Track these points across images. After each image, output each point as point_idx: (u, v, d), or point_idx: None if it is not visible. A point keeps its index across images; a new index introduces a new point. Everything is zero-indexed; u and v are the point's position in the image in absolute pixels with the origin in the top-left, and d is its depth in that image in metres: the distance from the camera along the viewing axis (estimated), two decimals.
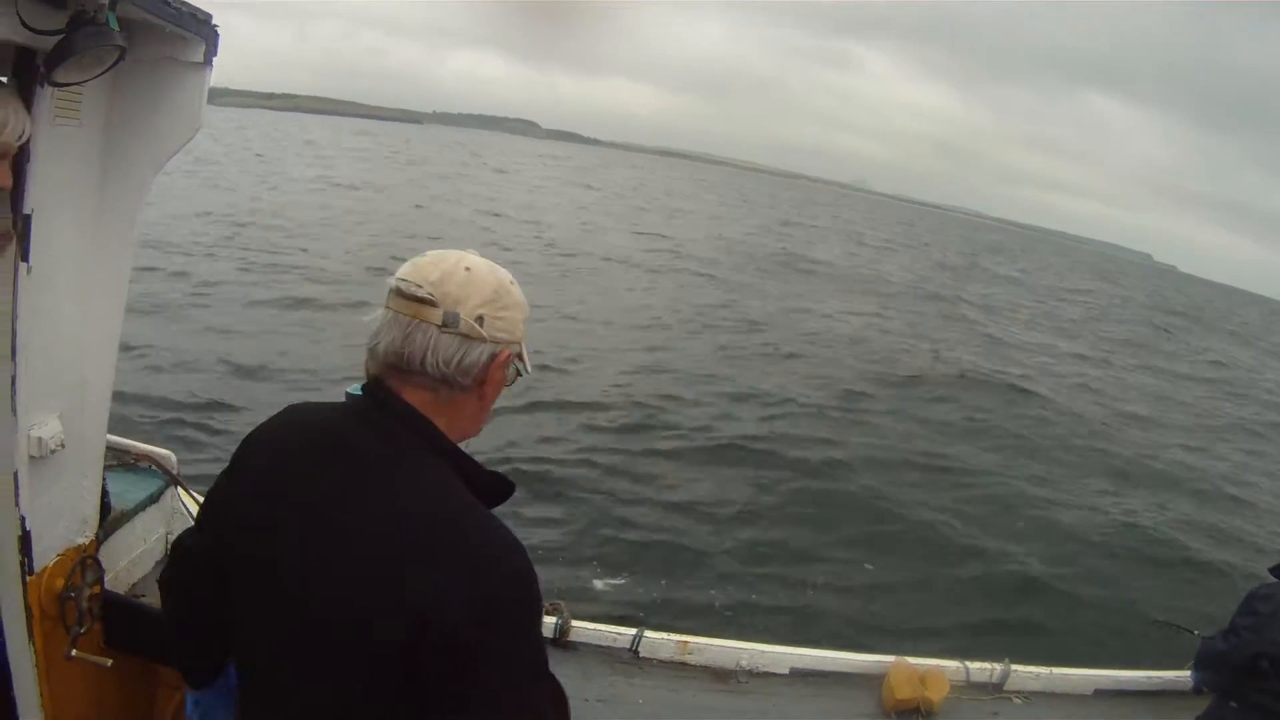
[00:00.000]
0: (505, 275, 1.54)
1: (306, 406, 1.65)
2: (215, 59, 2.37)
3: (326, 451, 1.47)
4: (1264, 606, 3.17)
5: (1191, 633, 4.17)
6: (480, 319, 1.45)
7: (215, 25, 2.32)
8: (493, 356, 1.49)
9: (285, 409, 1.66)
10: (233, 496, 1.60)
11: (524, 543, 1.42)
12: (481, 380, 1.50)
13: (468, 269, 1.48)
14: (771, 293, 25.02)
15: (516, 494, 1.60)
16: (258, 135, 72.80)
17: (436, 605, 1.30)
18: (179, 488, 3.41)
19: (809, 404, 13.62)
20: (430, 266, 1.47)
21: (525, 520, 7.78)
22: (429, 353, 1.44)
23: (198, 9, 2.23)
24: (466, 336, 1.45)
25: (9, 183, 1.91)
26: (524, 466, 9.02)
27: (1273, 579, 3.31)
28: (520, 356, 1.57)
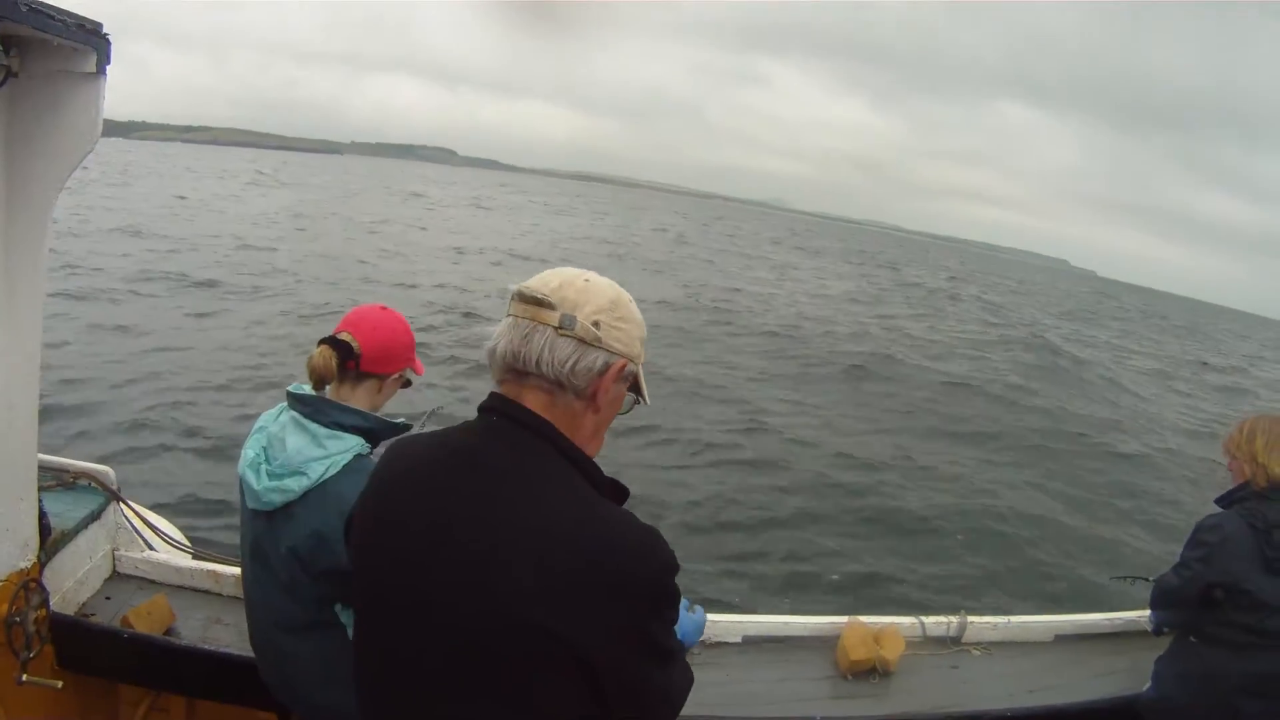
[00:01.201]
0: (624, 292, 1.54)
1: (425, 435, 1.63)
2: (109, 67, 2.34)
3: (463, 470, 1.44)
4: (1211, 536, 3.16)
5: (1147, 579, 4.12)
6: (596, 324, 1.45)
7: (106, 35, 2.29)
8: (607, 365, 1.47)
9: (397, 444, 1.65)
10: (367, 523, 1.56)
11: None
12: (595, 391, 1.48)
13: (587, 280, 1.50)
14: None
15: None
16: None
17: (587, 625, 1.30)
18: (121, 503, 3.34)
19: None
20: (552, 275, 1.49)
21: None
22: (545, 352, 1.43)
23: (86, 19, 2.21)
24: (582, 340, 1.44)
25: None
26: None
27: (1218, 509, 3.31)
28: (638, 382, 1.59)
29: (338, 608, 2.25)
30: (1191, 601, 3.20)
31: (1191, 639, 3.27)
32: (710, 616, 3.61)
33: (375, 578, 1.49)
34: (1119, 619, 4.07)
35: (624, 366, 1.50)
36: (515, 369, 1.46)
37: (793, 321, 23.99)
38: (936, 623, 3.84)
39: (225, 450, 8.69)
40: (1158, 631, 3.60)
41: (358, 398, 2.32)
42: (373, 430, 2.27)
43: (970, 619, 3.85)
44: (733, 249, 55.19)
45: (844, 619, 3.70)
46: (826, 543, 8.33)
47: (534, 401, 1.46)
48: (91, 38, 2.25)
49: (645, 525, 1.40)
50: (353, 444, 2.22)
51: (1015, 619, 3.97)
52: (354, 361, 2.28)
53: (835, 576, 7.52)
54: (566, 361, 1.44)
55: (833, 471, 10.78)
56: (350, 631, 2.18)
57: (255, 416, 2.42)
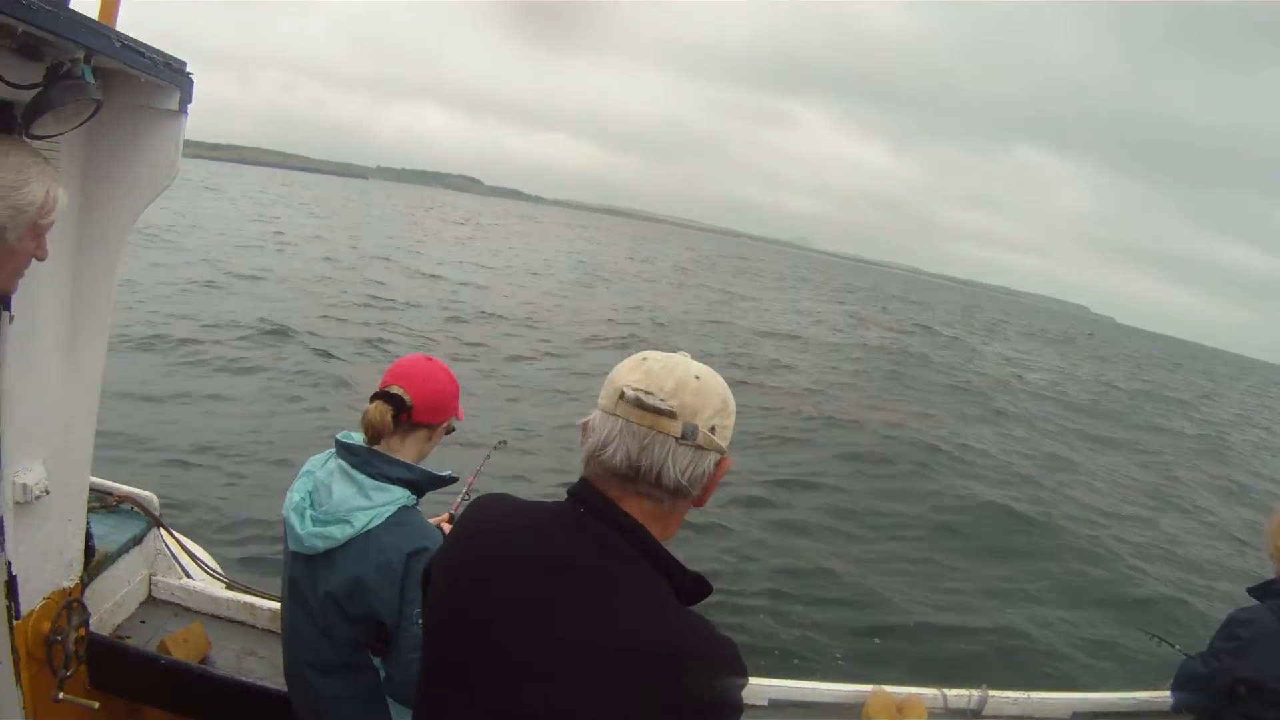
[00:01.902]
0: (723, 381, 1.51)
1: (507, 502, 1.59)
2: (190, 106, 2.39)
3: (540, 563, 1.42)
4: (1244, 632, 3.13)
5: (1173, 646, 4.12)
6: (713, 429, 1.43)
7: (190, 73, 2.35)
8: (716, 465, 1.46)
9: (485, 500, 1.62)
10: (439, 603, 1.54)
11: None
12: (707, 488, 1.47)
13: (698, 377, 1.45)
14: None
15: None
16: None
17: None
18: (161, 529, 3.38)
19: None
20: (663, 374, 1.43)
21: None
22: (667, 465, 1.40)
23: (172, 57, 2.27)
24: (701, 448, 1.42)
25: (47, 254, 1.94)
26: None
27: (1252, 600, 3.28)
28: None
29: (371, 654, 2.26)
30: (1217, 693, 3.16)
31: None
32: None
33: (451, 635, 1.47)
34: (1132, 699, 4.07)
35: (729, 462, 1.49)
36: (624, 476, 1.42)
37: None
38: (958, 695, 3.85)
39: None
40: (1176, 710, 3.56)
41: (406, 449, 2.33)
42: (418, 483, 2.28)
43: (991, 693, 3.84)
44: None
45: (868, 688, 3.71)
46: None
47: (636, 508, 1.44)
48: (176, 76, 2.31)
49: (723, 637, 1.38)
50: (398, 496, 2.23)
51: (1035, 695, 3.95)
52: (406, 414, 2.29)
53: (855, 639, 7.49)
54: (686, 471, 1.41)
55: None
56: (382, 674, 2.24)
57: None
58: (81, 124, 2.02)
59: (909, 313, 60.46)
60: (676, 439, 1.39)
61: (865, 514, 11.24)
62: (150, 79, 2.25)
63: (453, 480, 2.40)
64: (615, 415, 1.41)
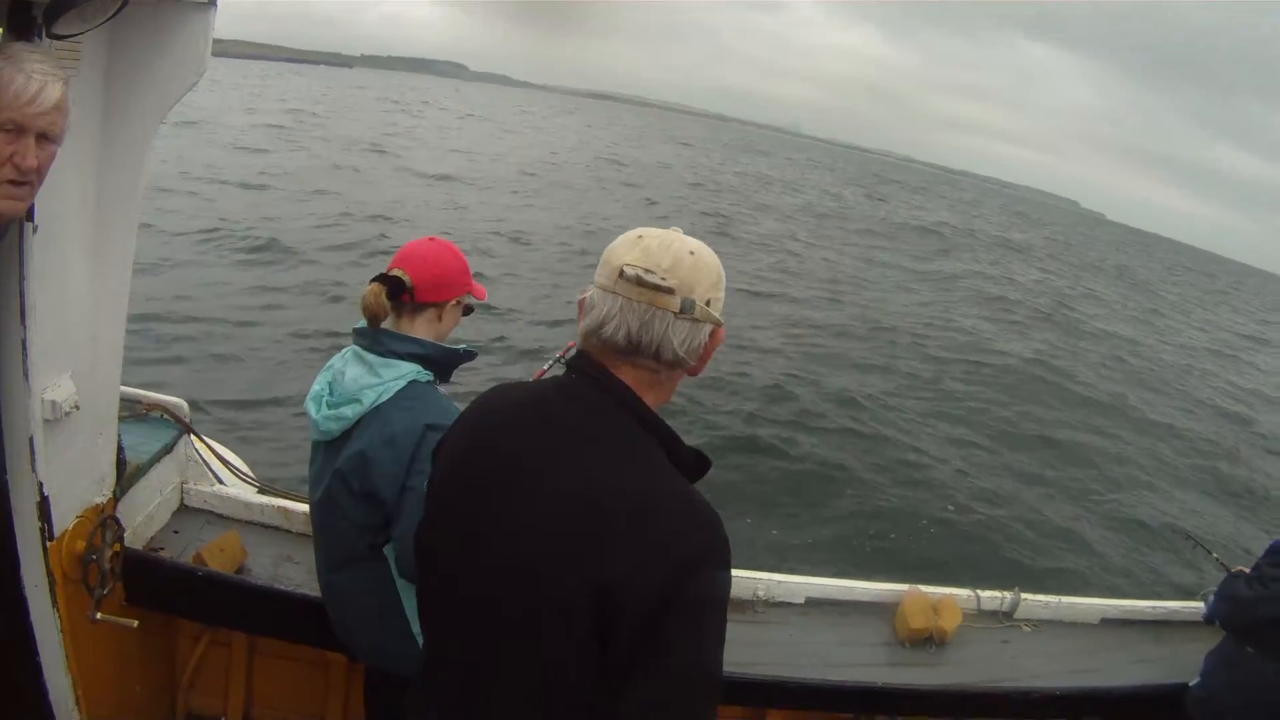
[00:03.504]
0: (715, 255, 1.56)
1: (514, 385, 1.68)
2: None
3: (534, 426, 1.49)
4: None
5: (1209, 553, 4.20)
6: (709, 302, 1.49)
7: None
8: (711, 334, 1.53)
9: (494, 388, 1.68)
10: (440, 473, 1.63)
11: None
12: (703, 357, 1.55)
13: (692, 253, 1.49)
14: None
15: None
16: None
17: (626, 580, 1.31)
18: (192, 435, 3.32)
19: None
20: (660, 251, 1.47)
21: None
22: (667, 339, 1.46)
23: None
24: (697, 320, 1.48)
25: (34, 162, 1.75)
26: None
27: None
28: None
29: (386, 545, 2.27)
30: (1261, 617, 3.16)
31: (1249, 648, 3.23)
32: (775, 576, 3.71)
33: (450, 504, 1.57)
34: (1162, 608, 4.11)
35: (722, 332, 1.56)
36: (624, 350, 1.48)
37: None
38: (991, 597, 3.89)
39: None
40: (1209, 620, 3.58)
41: (418, 328, 2.36)
42: (429, 357, 2.32)
43: (1023, 596, 3.89)
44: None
45: (904, 587, 3.74)
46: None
47: (631, 376, 1.49)
48: None
49: (709, 509, 1.43)
50: (406, 370, 2.27)
51: (1065, 599, 4.01)
52: (408, 294, 2.31)
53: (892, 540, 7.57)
54: (684, 344, 1.48)
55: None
56: (393, 566, 2.25)
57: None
58: (107, 20, 1.87)
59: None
60: (675, 314, 1.46)
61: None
62: None
63: (470, 355, 2.45)
64: (614, 292, 1.47)
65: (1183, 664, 3.57)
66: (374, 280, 2.31)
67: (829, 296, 19.23)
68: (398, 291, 2.30)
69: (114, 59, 2.20)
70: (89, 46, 2.09)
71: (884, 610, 3.69)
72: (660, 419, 1.52)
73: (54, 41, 1.86)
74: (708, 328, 1.51)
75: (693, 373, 1.59)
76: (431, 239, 2.43)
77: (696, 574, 1.34)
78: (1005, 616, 3.87)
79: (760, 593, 3.62)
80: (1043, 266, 37.44)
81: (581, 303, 1.53)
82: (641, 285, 1.45)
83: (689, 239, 1.54)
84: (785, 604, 3.65)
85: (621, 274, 1.46)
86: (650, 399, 1.51)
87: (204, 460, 3.38)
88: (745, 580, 3.64)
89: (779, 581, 3.66)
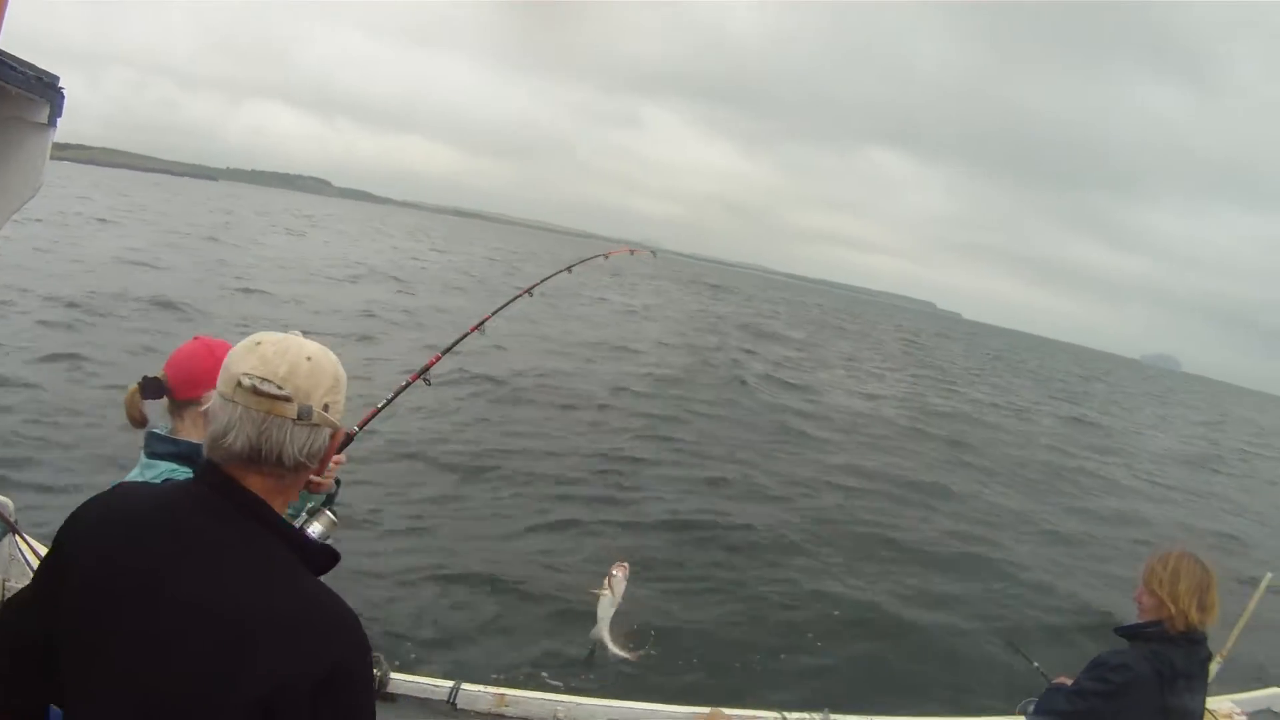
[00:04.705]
0: (334, 357, 1.61)
1: (138, 487, 1.67)
2: (59, 120, 2.31)
3: (164, 538, 1.46)
4: (1117, 677, 3.07)
5: (1030, 661, 4.17)
6: (326, 407, 1.54)
7: (61, 88, 2.28)
8: (331, 437, 1.58)
9: (115, 487, 1.66)
10: (63, 577, 1.53)
11: (340, 585, 1.48)
12: (323, 460, 1.59)
13: (309, 358, 1.54)
14: None
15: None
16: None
17: (285, 691, 1.34)
18: (16, 535, 3.19)
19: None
20: (276, 359, 1.51)
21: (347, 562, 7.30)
22: (286, 446, 1.49)
23: (44, 72, 2.19)
24: (316, 425, 1.53)
25: None
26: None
27: (1121, 641, 3.24)
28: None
29: None
30: None
31: None
32: (574, 699, 3.67)
33: (74, 607, 1.48)
34: None
35: (341, 433, 1.61)
36: (247, 459, 1.49)
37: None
38: (799, 718, 3.89)
39: None
40: None
41: (187, 428, 2.36)
42: (183, 454, 2.29)
43: (833, 716, 3.89)
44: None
45: (706, 709, 3.72)
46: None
47: (259, 485, 1.51)
48: (48, 90, 2.24)
49: (345, 605, 1.48)
50: (162, 469, 2.25)
51: (877, 719, 4.02)
52: (168, 394, 2.37)
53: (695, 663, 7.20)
54: (304, 449, 1.52)
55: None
56: None
57: None
58: None
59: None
60: (293, 420, 1.49)
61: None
62: (22, 93, 2.17)
63: None
64: (234, 401, 1.49)
65: None
66: (136, 383, 2.38)
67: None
68: (157, 392, 2.36)
69: None
70: None
71: None
72: (289, 524, 1.56)
73: None
74: (327, 431, 1.56)
75: (316, 474, 1.63)
76: (196, 338, 2.47)
77: (350, 675, 1.41)
78: None
79: (560, 714, 3.59)
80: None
81: (203, 413, 1.55)
82: (258, 394, 1.47)
83: (307, 343, 1.57)
84: None
85: (239, 384, 1.47)
86: (278, 504, 1.53)
87: (26, 561, 3.25)
88: (545, 702, 3.61)
89: (579, 703, 3.62)
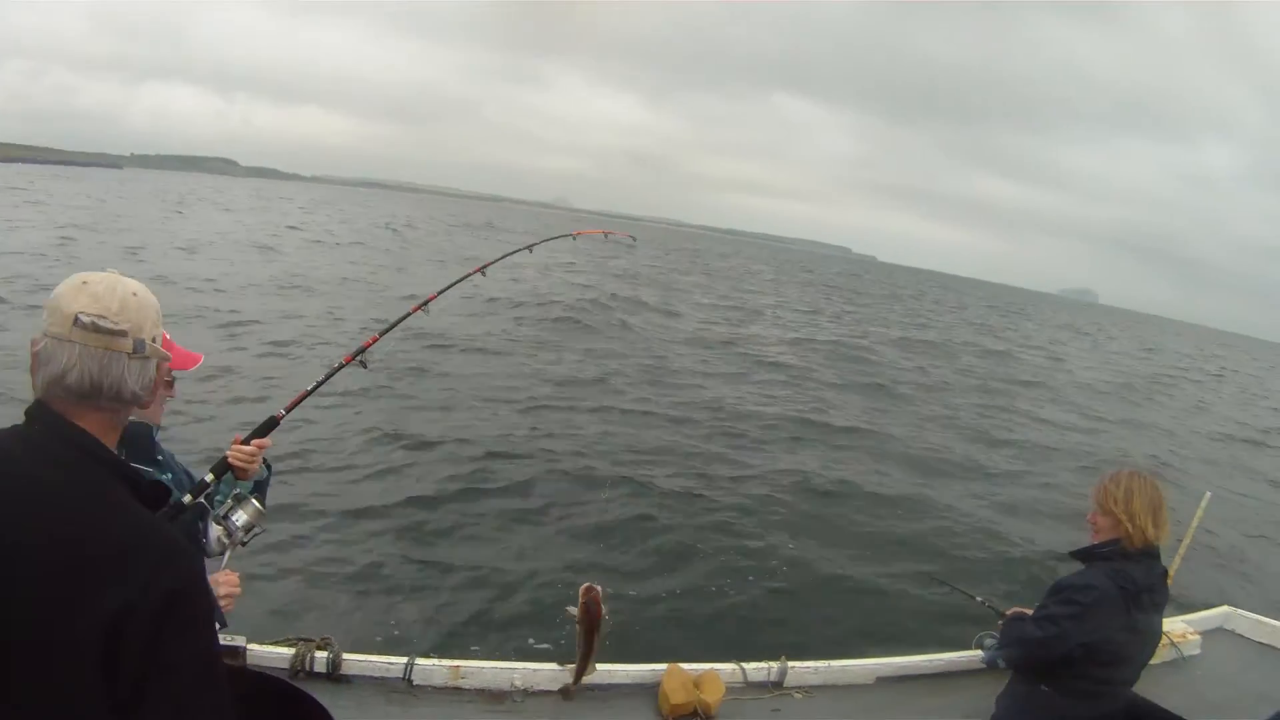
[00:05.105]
0: (152, 293, 1.67)
1: None
2: None
3: (20, 484, 1.45)
4: (1083, 597, 3.13)
5: (973, 598, 4.28)
6: (154, 339, 1.62)
7: None
8: (158, 368, 1.66)
9: None
10: None
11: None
12: (154, 391, 1.67)
13: (135, 294, 1.60)
14: None
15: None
16: None
17: (127, 614, 1.34)
18: None
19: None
20: (108, 296, 1.55)
21: (294, 548, 6.72)
22: (125, 380, 1.56)
23: None
24: (148, 358, 1.60)
25: None
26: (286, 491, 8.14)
27: (1076, 564, 3.31)
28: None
29: None
30: (1055, 656, 3.18)
31: (1044, 687, 3.26)
32: (530, 665, 3.65)
33: None
34: (939, 660, 4.20)
35: (166, 365, 1.71)
36: (84, 395, 1.53)
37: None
38: (757, 668, 3.91)
39: None
40: (992, 666, 3.69)
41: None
42: None
43: (791, 664, 3.91)
44: None
45: (663, 666, 3.71)
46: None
47: (94, 422, 1.55)
48: None
49: (177, 536, 1.53)
50: None
51: (836, 663, 4.03)
52: None
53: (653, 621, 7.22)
54: (139, 380, 1.59)
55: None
56: None
57: None
58: None
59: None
60: (129, 354, 1.56)
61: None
62: None
63: None
64: (70, 340, 1.52)
65: (965, 711, 3.67)
66: None
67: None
68: None
69: None
70: None
71: (646, 690, 3.66)
72: (121, 459, 1.58)
73: None
74: (154, 362, 1.63)
75: (144, 406, 1.67)
76: None
77: (189, 599, 1.43)
78: (775, 686, 3.87)
79: (517, 682, 3.56)
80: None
81: (35, 355, 1.54)
82: (98, 331, 1.52)
83: (129, 280, 1.62)
84: (544, 692, 3.59)
85: (77, 321, 1.51)
86: (110, 440, 1.57)
87: None
88: (501, 671, 3.58)
89: (535, 670, 3.60)
